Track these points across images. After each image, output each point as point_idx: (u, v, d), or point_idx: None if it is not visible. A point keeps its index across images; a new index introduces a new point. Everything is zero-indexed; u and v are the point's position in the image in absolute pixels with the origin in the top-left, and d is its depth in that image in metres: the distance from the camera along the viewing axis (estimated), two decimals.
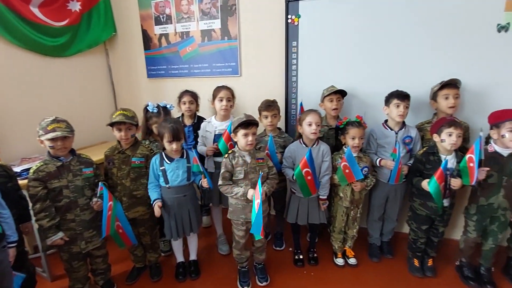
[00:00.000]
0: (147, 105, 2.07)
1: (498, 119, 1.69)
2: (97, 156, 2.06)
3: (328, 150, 1.95)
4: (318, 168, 1.94)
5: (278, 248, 2.35)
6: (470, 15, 1.93)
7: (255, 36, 2.49)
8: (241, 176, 1.74)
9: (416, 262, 2.06)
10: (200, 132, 2.20)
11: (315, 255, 2.21)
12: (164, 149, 1.82)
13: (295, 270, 2.12)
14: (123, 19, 2.93)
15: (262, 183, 1.70)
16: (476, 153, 1.61)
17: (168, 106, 2.12)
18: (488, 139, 1.82)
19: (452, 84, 1.92)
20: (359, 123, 1.93)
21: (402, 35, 2.09)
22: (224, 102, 2.09)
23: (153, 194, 1.80)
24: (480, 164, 1.67)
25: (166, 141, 1.75)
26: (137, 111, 2.09)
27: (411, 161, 2.00)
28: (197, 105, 2.40)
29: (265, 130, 2.23)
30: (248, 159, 1.77)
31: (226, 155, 1.78)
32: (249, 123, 1.70)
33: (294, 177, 1.82)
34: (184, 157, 1.84)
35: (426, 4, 1.99)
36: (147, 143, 2.03)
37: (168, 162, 1.79)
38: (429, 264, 2.05)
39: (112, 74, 3.12)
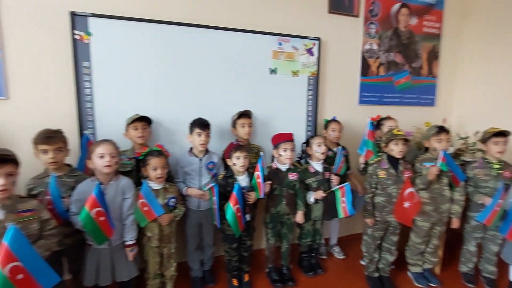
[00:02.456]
0: None
1: (276, 141, 2.08)
2: None
3: (130, 185, 1.71)
4: (119, 208, 1.65)
5: None
6: (253, 59, 2.34)
7: (30, 50, 1.92)
8: None
9: (235, 282, 2.12)
10: None
11: None
12: None
13: None
14: None
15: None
16: (260, 170, 1.89)
17: None
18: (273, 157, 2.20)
19: (246, 114, 2.22)
20: (159, 152, 1.81)
21: (204, 69, 2.23)
22: None
23: None
24: (265, 179, 1.98)
25: None
26: None
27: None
28: None
29: (45, 169, 1.69)
30: (1, 215, 1.22)
31: None
32: None
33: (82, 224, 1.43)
34: None
35: (222, 48, 2.25)
36: None
37: None
38: (245, 280, 2.17)
39: None
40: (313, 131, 2.58)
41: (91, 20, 1.96)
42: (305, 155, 2.36)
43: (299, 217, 2.14)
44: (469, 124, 2.82)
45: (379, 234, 2.10)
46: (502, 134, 2.00)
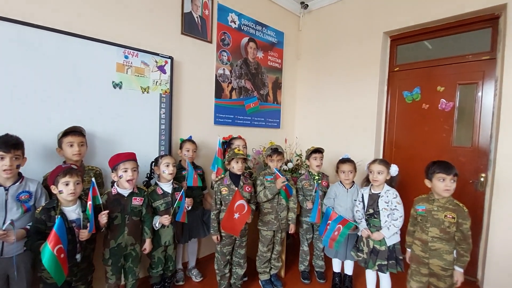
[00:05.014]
0: None
1: (114, 162, 1.85)
2: None
3: None
4: None
5: None
6: (92, 72, 2.05)
7: None
8: None
9: None
10: None
11: None
12: None
13: None
14: None
15: None
16: (91, 199, 1.62)
17: None
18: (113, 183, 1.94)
19: (77, 131, 1.88)
20: None
21: (25, 74, 1.80)
22: None
23: None
24: (101, 208, 1.71)
25: None
26: None
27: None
28: None
29: None
30: None
31: None
32: None
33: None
34: None
35: (49, 51, 1.88)
36: None
37: None
38: None
39: None
40: (167, 151, 2.48)
41: None
42: (154, 175, 2.22)
43: (147, 245, 1.95)
44: (305, 144, 3.41)
45: (228, 250, 2.16)
46: (318, 151, 2.51)
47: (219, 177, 2.17)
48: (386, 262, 2.00)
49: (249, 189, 2.16)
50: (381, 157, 3.10)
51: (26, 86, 1.82)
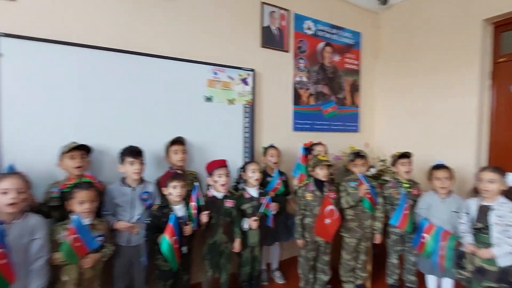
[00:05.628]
0: None
1: (210, 168, 2.08)
2: None
3: (41, 224, 1.51)
4: (24, 251, 1.43)
5: None
6: (188, 87, 2.37)
7: None
8: None
9: None
10: None
11: None
12: None
13: None
14: None
15: None
16: (195, 201, 1.87)
17: None
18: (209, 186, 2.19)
19: (179, 141, 2.19)
20: (90, 184, 1.68)
21: (137, 96, 2.20)
22: None
23: None
24: (202, 209, 1.95)
25: None
26: None
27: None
28: None
29: None
30: None
31: None
32: None
33: None
34: None
35: (156, 75, 2.25)
36: None
37: None
38: None
39: None
40: (250, 157, 2.65)
41: (2, 40, 1.80)
42: (241, 180, 2.40)
43: (237, 244, 2.12)
44: (389, 147, 3.19)
45: (312, 255, 2.19)
46: (406, 156, 2.33)
47: (303, 183, 2.22)
48: (496, 285, 1.73)
49: (334, 195, 2.15)
50: (484, 162, 2.69)
51: (138, 106, 2.20)
